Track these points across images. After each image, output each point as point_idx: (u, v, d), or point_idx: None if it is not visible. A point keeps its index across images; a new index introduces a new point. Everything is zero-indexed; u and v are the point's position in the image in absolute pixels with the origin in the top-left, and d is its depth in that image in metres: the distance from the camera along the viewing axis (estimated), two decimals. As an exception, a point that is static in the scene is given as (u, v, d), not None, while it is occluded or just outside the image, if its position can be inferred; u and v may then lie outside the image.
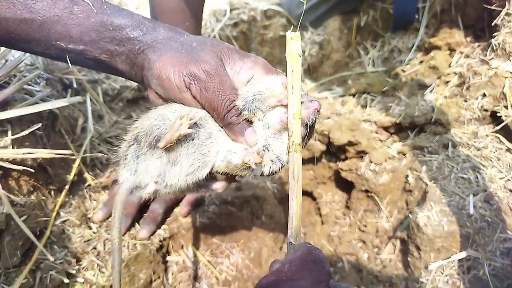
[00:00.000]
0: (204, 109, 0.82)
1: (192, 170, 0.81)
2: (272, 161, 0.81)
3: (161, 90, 0.83)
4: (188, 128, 0.77)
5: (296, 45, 0.71)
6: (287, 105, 0.76)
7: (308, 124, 0.79)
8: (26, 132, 1.15)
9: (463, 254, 1.25)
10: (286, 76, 0.81)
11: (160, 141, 0.77)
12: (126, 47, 0.81)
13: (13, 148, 1.18)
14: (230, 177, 0.90)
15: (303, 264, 0.64)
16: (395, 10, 2.09)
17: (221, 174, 0.87)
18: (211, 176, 0.87)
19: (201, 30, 1.48)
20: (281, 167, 0.84)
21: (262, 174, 0.83)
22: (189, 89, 0.80)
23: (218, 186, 0.91)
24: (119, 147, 0.87)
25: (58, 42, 0.80)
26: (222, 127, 0.83)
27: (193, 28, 1.36)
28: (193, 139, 0.80)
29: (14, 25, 0.77)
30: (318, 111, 0.78)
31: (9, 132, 1.16)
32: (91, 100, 1.61)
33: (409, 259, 1.35)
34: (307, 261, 0.64)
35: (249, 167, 0.79)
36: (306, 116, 0.76)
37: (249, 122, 0.82)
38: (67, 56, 0.82)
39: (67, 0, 0.78)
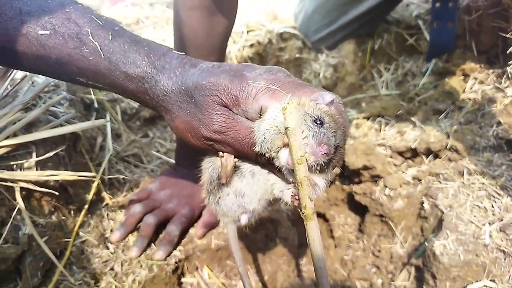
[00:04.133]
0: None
1: (260, 196, 0.88)
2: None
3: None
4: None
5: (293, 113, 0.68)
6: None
7: (322, 166, 0.75)
8: (51, 154, 1.18)
9: (479, 285, 1.25)
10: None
11: (220, 179, 0.85)
12: (134, 96, 0.85)
13: (36, 168, 1.21)
14: None
15: None
16: (432, 40, 2.07)
17: None
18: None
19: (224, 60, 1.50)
20: (320, 194, 0.84)
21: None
22: (212, 148, 0.82)
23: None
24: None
25: (77, 78, 0.83)
26: None
27: (216, 61, 1.40)
28: (244, 176, 0.86)
29: (33, 60, 0.79)
30: (327, 154, 0.73)
31: (34, 154, 1.18)
32: (110, 119, 1.64)
33: (424, 287, 1.34)
34: None
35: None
36: (314, 161, 0.73)
37: None
38: (87, 86, 0.86)
39: (76, 39, 0.79)
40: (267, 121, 0.75)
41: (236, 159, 0.82)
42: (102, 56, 0.80)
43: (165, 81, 0.81)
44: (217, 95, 0.76)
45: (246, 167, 0.85)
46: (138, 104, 1.84)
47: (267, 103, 0.75)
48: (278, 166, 0.77)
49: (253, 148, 0.76)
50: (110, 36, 0.81)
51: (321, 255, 0.71)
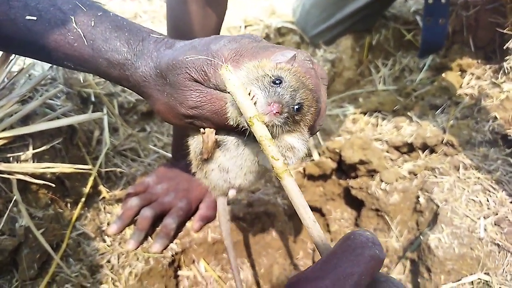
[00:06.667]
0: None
1: (246, 170, 0.86)
2: (287, 154, 0.78)
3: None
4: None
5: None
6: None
7: (286, 125, 0.73)
8: (47, 146, 1.18)
9: (473, 278, 1.26)
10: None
11: (202, 155, 0.83)
12: (118, 81, 0.85)
13: (33, 161, 1.21)
14: None
15: (331, 257, 0.53)
16: (423, 36, 2.06)
17: None
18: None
19: None
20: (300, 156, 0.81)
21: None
22: (194, 125, 0.82)
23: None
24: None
25: (65, 63, 0.84)
26: None
27: None
28: (228, 149, 0.84)
29: (21, 45, 0.80)
30: (280, 113, 0.70)
31: (30, 146, 1.19)
32: (107, 113, 1.64)
33: (419, 280, 1.35)
34: (337, 253, 0.53)
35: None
36: (268, 120, 0.70)
37: None
38: (76, 70, 0.86)
39: (62, 26, 0.80)
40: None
41: (217, 136, 0.80)
42: (86, 43, 0.80)
43: (143, 67, 0.81)
44: (187, 72, 0.76)
45: (229, 140, 0.83)
46: (136, 98, 1.85)
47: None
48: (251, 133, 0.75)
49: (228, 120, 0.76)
50: (93, 22, 0.81)
51: (305, 212, 0.65)
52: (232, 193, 0.92)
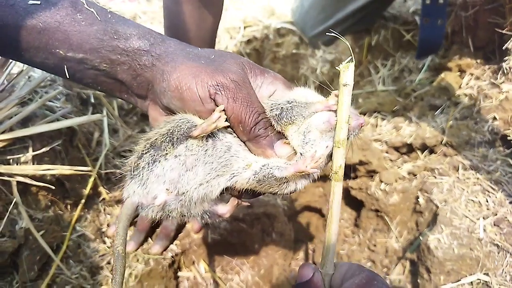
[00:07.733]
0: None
1: (208, 179, 0.78)
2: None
3: (179, 102, 0.78)
4: (207, 136, 0.77)
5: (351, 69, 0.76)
6: (334, 111, 0.77)
7: (350, 139, 0.78)
8: (47, 148, 1.18)
9: (473, 278, 1.26)
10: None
11: (194, 130, 0.76)
12: (130, 57, 0.79)
13: (33, 162, 1.21)
14: (239, 196, 0.86)
15: None
16: (420, 37, 2.06)
17: (239, 191, 0.83)
18: (219, 199, 0.84)
19: None
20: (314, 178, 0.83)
21: (295, 189, 0.81)
22: (214, 100, 0.76)
23: (225, 210, 0.86)
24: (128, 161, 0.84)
25: (58, 50, 0.78)
26: (243, 142, 0.80)
27: None
28: (215, 147, 0.78)
29: (15, 31, 0.75)
30: (361, 126, 0.79)
31: (30, 148, 1.19)
32: (106, 114, 1.64)
33: (419, 280, 1.36)
34: None
35: (287, 181, 0.78)
36: (353, 127, 0.76)
37: (279, 133, 0.80)
38: (66, 66, 0.79)
39: (70, 8, 0.77)
40: (294, 95, 0.81)
41: (227, 123, 0.76)
42: (99, 19, 0.77)
43: (173, 44, 0.81)
44: (242, 62, 0.81)
45: (226, 139, 0.79)
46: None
47: (281, 89, 0.83)
48: (287, 136, 0.80)
49: (256, 118, 0.77)
50: (109, 10, 0.80)
51: (337, 216, 0.75)
52: (162, 197, 0.78)
